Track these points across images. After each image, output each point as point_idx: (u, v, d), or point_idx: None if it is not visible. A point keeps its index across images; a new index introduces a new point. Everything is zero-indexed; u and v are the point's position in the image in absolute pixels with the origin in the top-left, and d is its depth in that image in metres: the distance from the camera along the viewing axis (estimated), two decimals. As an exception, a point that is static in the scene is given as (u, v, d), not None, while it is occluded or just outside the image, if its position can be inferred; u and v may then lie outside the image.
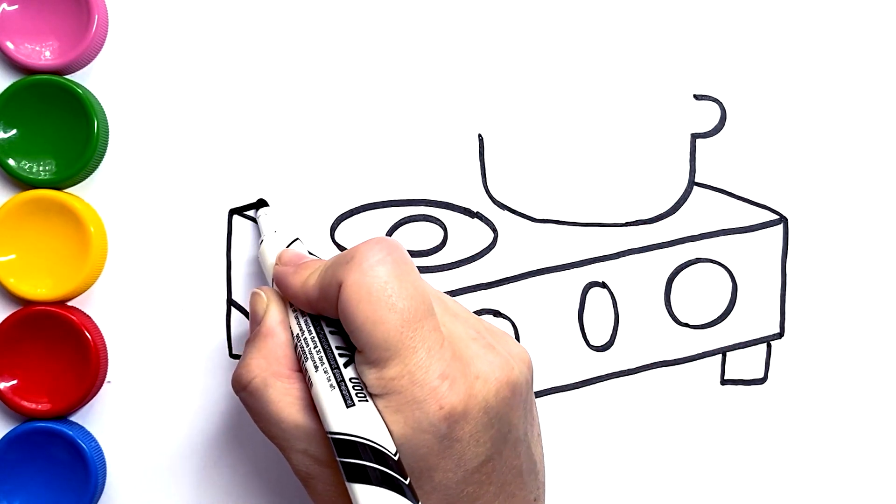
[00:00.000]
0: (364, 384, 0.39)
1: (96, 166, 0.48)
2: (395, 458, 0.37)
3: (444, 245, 0.48)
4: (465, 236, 0.48)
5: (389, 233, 0.48)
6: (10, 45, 0.47)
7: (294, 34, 0.48)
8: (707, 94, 0.48)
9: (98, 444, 0.48)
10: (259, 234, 0.47)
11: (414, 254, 0.48)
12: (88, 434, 0.48)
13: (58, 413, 0.47)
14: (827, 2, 0.48)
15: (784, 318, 0.48)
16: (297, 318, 0.42)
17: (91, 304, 0.48)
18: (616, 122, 0.48)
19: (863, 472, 0.48)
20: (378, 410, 0.38)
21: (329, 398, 0.38)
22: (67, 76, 0.47)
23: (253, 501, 0.49)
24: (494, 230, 0.48)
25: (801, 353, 0.48)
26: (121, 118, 0.48)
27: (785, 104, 0.48)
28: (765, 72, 0.48)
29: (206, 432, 0.48)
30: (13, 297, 0.47)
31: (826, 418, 0.48)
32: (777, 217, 0.48)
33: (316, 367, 0.39)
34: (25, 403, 0.47)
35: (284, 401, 0.40)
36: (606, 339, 0.49)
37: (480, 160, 0.48)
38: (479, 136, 0.48)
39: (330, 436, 0.38)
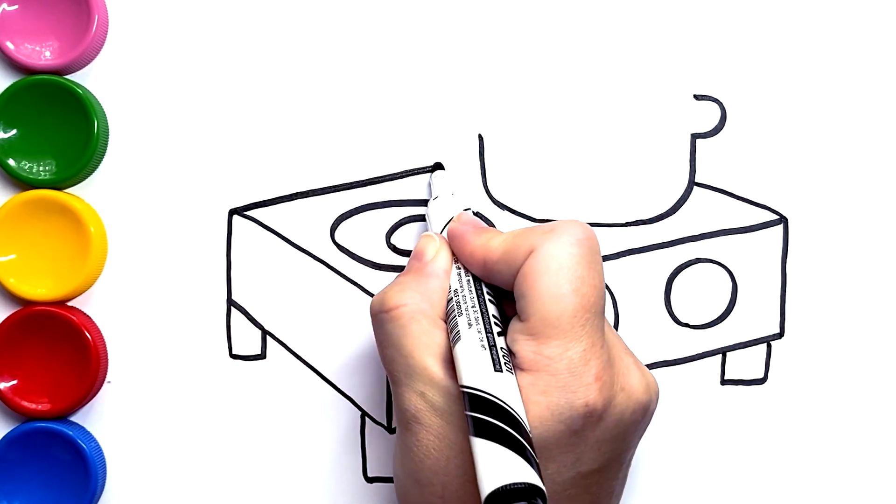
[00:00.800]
0: (514, 357, 0.38)
1: (96, 166, 0.48)
2: (529, 431, 0.36)
3: (444, 245, 0.48)
4: (466, 236, 0.48)
5: (389, 233, 0.48)
6: (10, 45, 0.47)
7: (294, 34, 0.48)
8: (707, 94, 0.48)
9: (98, 444, 0.48)
10: (430, 193, 0.47)
11: (414, 254, 0.48)
12: (88, 434, 0.48)
13: (58, 413, 0.47)
14: (827, 2, 0.48)
15: (784, 318, 0.48)
16: (459, 275, 0.42)
17: (91, 304, 0.48)
18: (616, 122, 0.48)
19: (863, 472, 0.48)
20: (519, 387, 0.37)
21: (477, 357, 0.38)
22: (67, 76, 0.47)
23: (253, 501, 0.49)
24: (494, 230, 0.48)
25: (801, 353, 0.48)
26: (121, 118, 0.48)
27: (785, 104, 0.48)
28: (765, 72, 0.48)
29: (206, 432, 0.48)
30: (13, 297, 0.47)
31: (826, 418, 0.48)
32: (777, 217, 0.48)
33: (469, 325, 0.39)
34: (25, 403, 0.47)
35: (423, 341, 0.40)
36: (606, 339, 0.49)
37: (480, 160, 0.48)
38: (479, 136, 0.48)
39: (467, 390, 0.37)
